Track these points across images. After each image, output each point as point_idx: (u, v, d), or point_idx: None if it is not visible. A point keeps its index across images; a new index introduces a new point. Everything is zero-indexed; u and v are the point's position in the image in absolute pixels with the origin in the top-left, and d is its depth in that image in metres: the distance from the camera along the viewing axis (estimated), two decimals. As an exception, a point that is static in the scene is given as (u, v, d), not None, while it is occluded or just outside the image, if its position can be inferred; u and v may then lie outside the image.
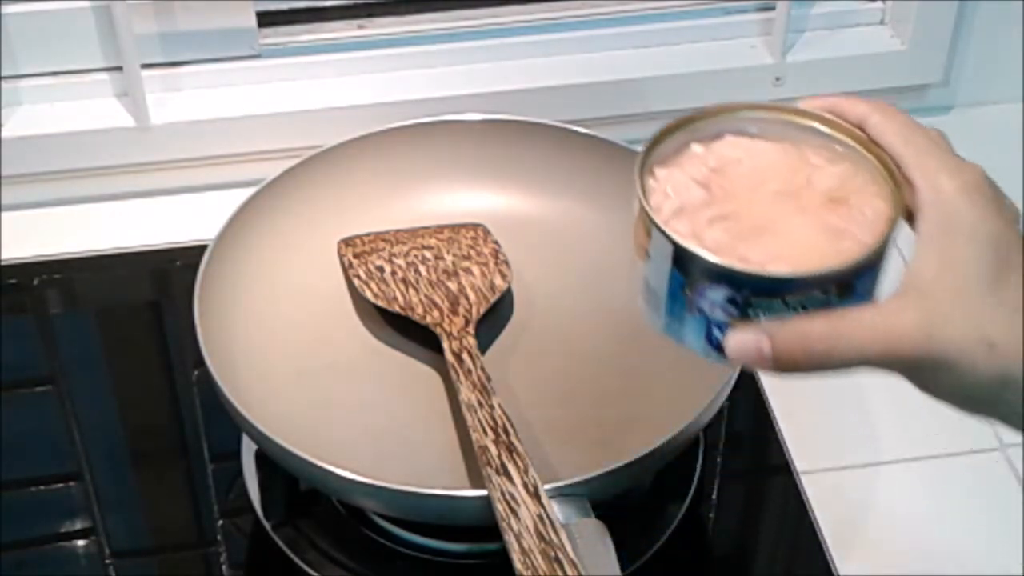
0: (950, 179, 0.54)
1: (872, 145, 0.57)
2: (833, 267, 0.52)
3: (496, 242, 0.88)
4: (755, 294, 0.53)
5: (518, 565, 0.65)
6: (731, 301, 0.53)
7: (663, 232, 0.54)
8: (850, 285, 0.53)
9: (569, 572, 0.64)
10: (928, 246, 0.53)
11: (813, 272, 0.52)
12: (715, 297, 0.54)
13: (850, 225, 0.55)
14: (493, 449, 0.71)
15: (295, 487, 0.79)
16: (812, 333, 0.52)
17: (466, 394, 0.75)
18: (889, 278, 0.55)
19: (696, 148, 0.58)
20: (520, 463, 0.70)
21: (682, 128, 0.59)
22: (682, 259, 0.54)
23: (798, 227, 0.55)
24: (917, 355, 0.52)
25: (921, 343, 0.52)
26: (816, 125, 0.58)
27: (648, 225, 0.55)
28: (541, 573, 0.64)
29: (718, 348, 0.55)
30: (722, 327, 0.54)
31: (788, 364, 0.53)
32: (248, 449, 0.82)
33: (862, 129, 0.57)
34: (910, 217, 0.55)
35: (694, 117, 0.59)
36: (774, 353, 0.52)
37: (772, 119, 0.59)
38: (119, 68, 0.99)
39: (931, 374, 0.53)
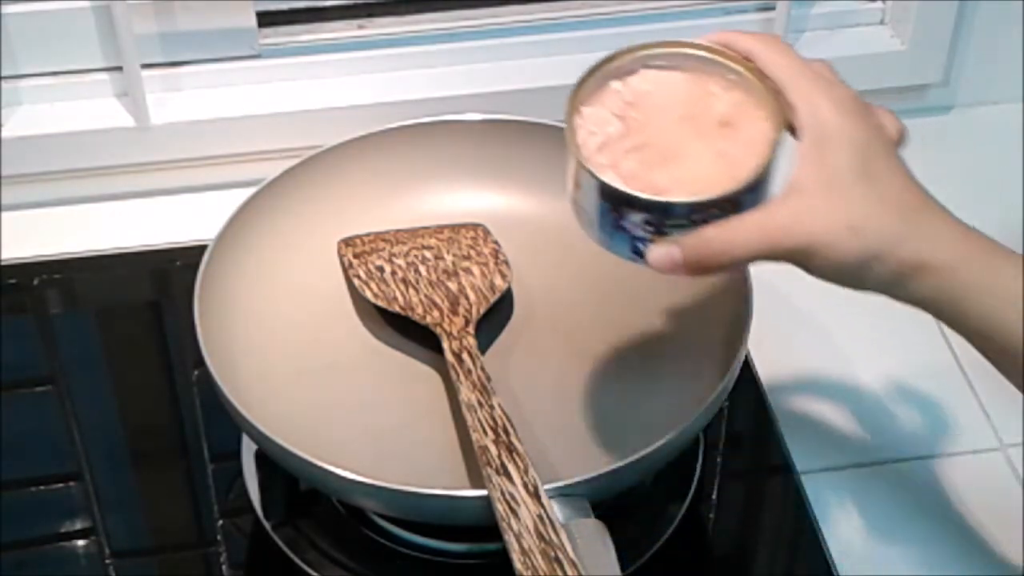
0: (824, 99, 0.65)
1: (760, 73, 0.67)
2: (726, 191, 0.64)
3: (496, 242, 0.88)
4: (665, 217, 0.64)
5: (518, 565, 0.65)
6: (647, 222, 0.65)
7: (588, 170, 0.65)
8: (741, 201, 0.64)
9: (569, 572, 0.64)
10: (805, 155, 0.64)
11: (710, 197, 0.64)
12: (634, 220, 0.65)
13: (740, 148, 0.66)
14: (493, 449, 0.71)
15: (295, 487, 0.79)
16: (711, 239, 0.64)
17: (466, 394, 0.75)
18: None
19: (615, 85, 0.69)
20: (520, 463, 0.70)
21: (604, 67, 0.69)
22: (605, 191, 0.65)
23: (698, 152, 0.66)
24: (794, 244, 0.63)
25: (796, 233, 0.63)
26: (713, 57, 0.68)
27: (576, 160, 0.66)
28: (541, 573, 0.64)
29: (642, 256, 0.66)
30: (643, 241, 0.66)
31: (697, 267, 0.64)
32: (248, 449, 0.82)
33: (751, 60, 0.67)
34: (795, 133, 0.65)
35: (614, 56, 0.69)
36: (684, 260, 0.64)
37: (679, 53, 0.69)
38: (119, 68, 0.99)
39: (809, 258, 0.63)
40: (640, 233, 0.66)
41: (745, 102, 0.67)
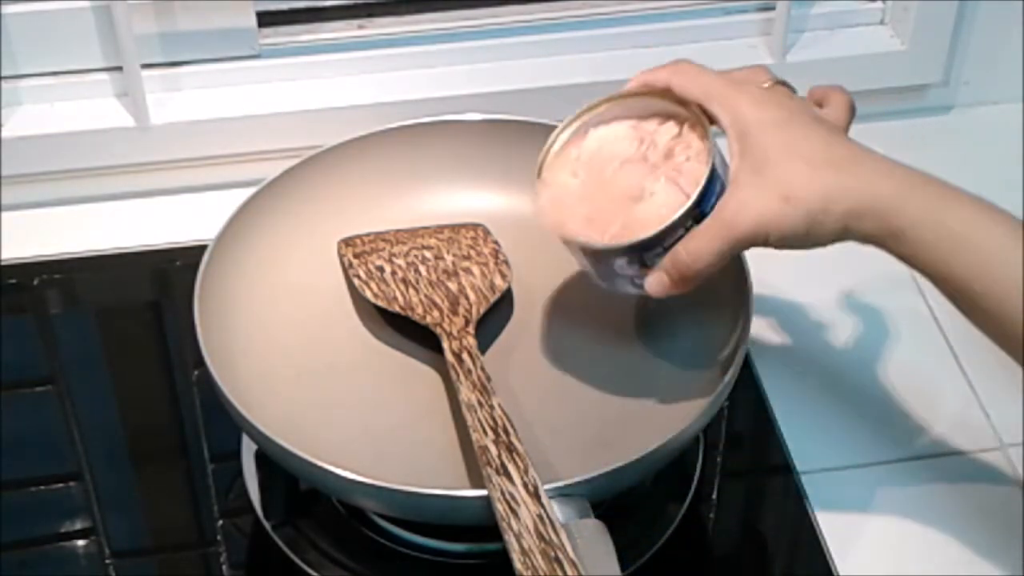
0: (738, 100, 0.71)
1: (682, 100, 0.73)
2: (680, 214, 0.70)
3: (496, 242, 0.88)
4: (642, 252, 0.72)
5: (518, 565, 0.65)
6: (631, 262, 0.72)
7: (565, 236, 0.73)
8: (696, 214, 0.70)
9: (569, 572, 0.64)
10: (734, 152, 0.70)
11: (668, 224, 0.70)
12: (620, 263, 0.73)
13: (686, 170, 0.72)
14: (493, 449, 0.71)
15: (295, 487, 0.79)
16: (679, 255, 0.71)
17: (466, 394, 0.75)
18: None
19: (572, 151, 0.76)
20: (520, 463, 0.70)
21: (558, 139, 0.76)
22: (585, 250, 0.73)
23: (654, 186, 0.73)
24: (746, 231, 0.69)
25: (743, 221, 0.69)
26: (644, 99, 0.75)
27: (554, 230, 0.74)
28: (541, 573, 0.64)
29: (643, 289, 0.73)
30: (638, 276, 0.73)
31: (681, 282, 0.71)
32: (248, 449, 0.82)
33: (671, 91, 0.73)
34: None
35: (564, 126, 0.76)
36: (670, 281, 0.71)
37: (616, 105, 0.75)
38: (119, 68, 0.99)
39: (766, 237, 0.69)
40: (630, 272, 0.73)
41: (680, 128, 0.74)
